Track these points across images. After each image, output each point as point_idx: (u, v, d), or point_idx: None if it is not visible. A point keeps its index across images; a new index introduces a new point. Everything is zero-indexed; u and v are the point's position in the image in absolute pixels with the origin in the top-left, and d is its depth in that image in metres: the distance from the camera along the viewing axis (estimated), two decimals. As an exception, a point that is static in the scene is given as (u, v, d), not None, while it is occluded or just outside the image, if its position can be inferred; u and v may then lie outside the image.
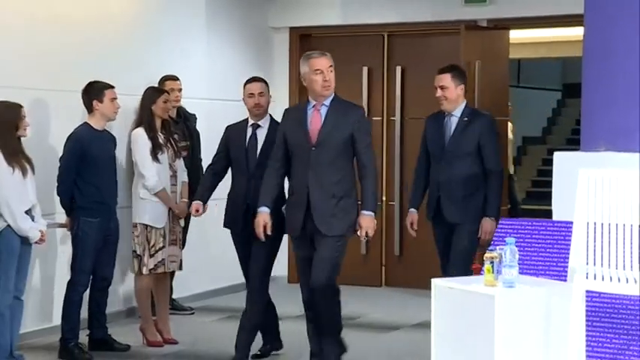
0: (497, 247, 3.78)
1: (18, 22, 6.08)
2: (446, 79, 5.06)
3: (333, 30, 8.90)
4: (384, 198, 8.52)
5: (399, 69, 8.29)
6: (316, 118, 4.41)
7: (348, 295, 5.78)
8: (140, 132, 5.82)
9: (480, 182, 5.02)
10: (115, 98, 5.30)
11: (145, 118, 5.84)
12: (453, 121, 5.08)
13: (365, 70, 8.49)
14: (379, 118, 8.50)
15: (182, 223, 6.08)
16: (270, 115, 5.05)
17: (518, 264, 3.65)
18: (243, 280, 5.73)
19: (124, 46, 6.87)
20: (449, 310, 3.88)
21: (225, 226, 5.09)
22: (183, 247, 6.17)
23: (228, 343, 5.21)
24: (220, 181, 5.17)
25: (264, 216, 4.35)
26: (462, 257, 5.05)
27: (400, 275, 8.57)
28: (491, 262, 3.60)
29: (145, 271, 5.65)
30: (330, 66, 4.41)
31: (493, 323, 3.47)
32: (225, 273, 7.49)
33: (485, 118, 5.35)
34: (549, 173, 5.60)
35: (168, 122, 6.10)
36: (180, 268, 5.96)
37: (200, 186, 5.32)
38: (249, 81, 5.12)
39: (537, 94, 14.60)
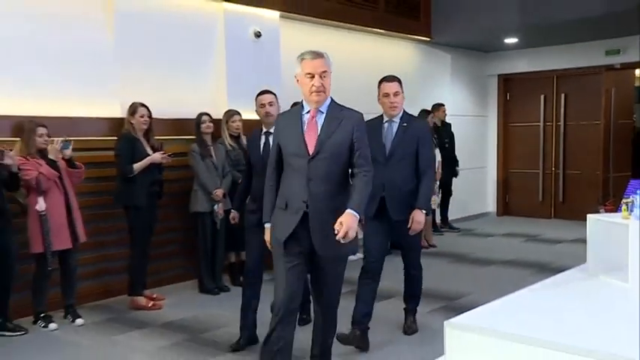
0: (631, 196, 4.54)
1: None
2: (398, 86, 5.05)
3: (523, 74, 12.01)
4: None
5: (563, 95, 11.76)
6: (312, 126, 3.79)
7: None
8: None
9: (415, 181, 5.04)
10: None
11: None
12: (394, 127, 5.05)
13: (542, 96, 11.93)
14: (550, 124, 11.94)
15: None
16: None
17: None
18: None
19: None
20: (598, 234, 4.72)
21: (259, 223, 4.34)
22: None
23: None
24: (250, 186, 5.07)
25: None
26: (416, 244, 5.32)
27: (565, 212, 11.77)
28: (627, 205, 4.45)
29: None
30: (325, 71, 3.75)
31: (626, 240, 4.27)
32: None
33: (422, 124, 5.56)
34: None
35: None
36: None
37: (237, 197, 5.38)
38: (261, 93, 5.17)
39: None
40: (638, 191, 4.62)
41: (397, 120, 5.06)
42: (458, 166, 10.39)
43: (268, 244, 3.98)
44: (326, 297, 4.04)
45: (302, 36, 8.56)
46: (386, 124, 5.09)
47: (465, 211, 11.65)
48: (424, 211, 5.00)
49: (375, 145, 4.72)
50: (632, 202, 4.47)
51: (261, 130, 5.06)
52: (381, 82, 5.12)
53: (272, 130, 4.64)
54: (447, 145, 9.95)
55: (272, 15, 8.17)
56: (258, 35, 7.91)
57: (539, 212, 12.01)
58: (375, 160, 4.17)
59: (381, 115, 5.14)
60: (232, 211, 5.48)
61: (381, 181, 4.80)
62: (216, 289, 6.79)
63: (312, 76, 3.73)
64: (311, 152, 3.76)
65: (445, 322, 3.73)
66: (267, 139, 4.95)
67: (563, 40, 10.95)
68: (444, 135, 9.98)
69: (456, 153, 10.33)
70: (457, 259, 8.46)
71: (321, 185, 3.76)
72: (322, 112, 3.83)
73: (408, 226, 4.94)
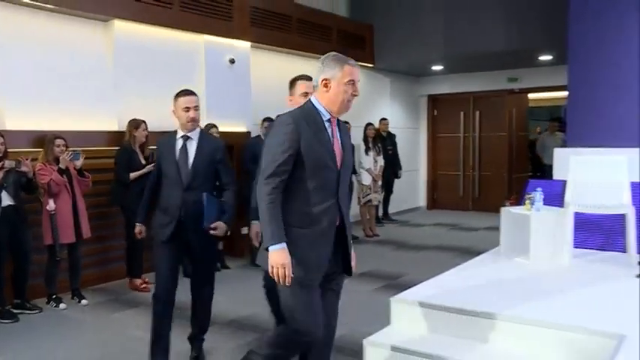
0: (532, 192, 4.80)
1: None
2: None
3: (447, 95, 12.18)
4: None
5: (477, 112, 11.99)
6: (335, 135, 2.84)
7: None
8: None
9: None
10: None
11: None
12: None
13: (462, 113, 12.09)
14: (468, 135, 12.09)
15: None
16: (200, 127, 3.85)
17: (542, 200, 4.75)
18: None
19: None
20: (508, 223, 5.03)
21: (162, 240, 3.71)
22: None
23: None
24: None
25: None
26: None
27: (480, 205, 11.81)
28: (529, 199, 4.75)
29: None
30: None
31: (529, 229, 4.60)
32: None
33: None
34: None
35: None
36: None
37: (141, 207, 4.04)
38: (185, 93, 3.75)
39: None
40: (537, 189, 4.81)
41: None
42: (401, 169, 10.45)
43: (286, 269, 2.64)
44: (333, 321, 3.05)
45: (269, 62, 8.62)
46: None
47: (402, 206, 11.68)
48: None
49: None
50: (533, 197, 4.67)
51: (175, 134, 3.82)
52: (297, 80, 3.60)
53: (191, 135, 3.76)
54: (390, 152, 9.99)
55: (244, 45, 8.13)
56: (232, 62, 7.89)
57: (461, 205, 12.16)
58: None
59: None
60: (137, 224, 4.07)
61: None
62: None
63: (354, 84, 2.79)
64: (339, 164, 2.82)
65: (391, 298, 3.83)
66: (184, 144, 3.76)
67: (478, 69, 11.24)
68: (387, 143, 10.05)
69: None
70: (397, 245, 8.47)
71: (344, 201, 2.88)
72: (335, 120, 2.89)
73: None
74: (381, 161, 9.20)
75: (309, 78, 3.43)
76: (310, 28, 9.25)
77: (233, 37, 7.93)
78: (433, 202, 12.70)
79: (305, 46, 9.10)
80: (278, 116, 2.97)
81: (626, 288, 3.98)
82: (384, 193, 10.06)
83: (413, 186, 12.46)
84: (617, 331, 3.03)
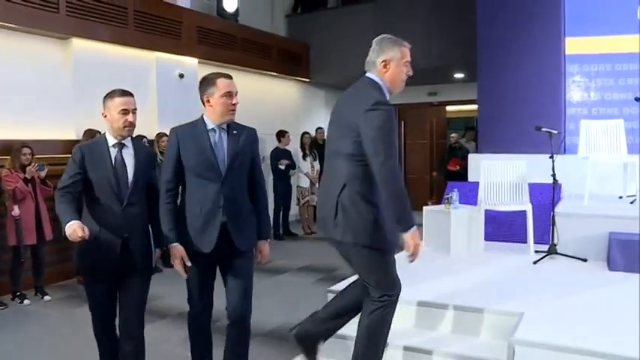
0: (450, 193, 5.09)
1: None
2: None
3: None
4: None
5: (402, 122, 12.28)
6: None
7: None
8: None
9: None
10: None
11: None
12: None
13: None
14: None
15: None
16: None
17: (459, 199, 5.13)
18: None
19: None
20: (430, 220, 5.22)
21: (86, 270, 3.00)
22: None
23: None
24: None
25: None
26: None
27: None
28: (448, 199, 5.04)
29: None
30: None
31: (450, 224, 4.93)
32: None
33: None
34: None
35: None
36: None
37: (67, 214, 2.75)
38: (121, 93, 2.98)
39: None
40: (454, 189, 5.14)
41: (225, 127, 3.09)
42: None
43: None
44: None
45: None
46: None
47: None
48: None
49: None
50: (451, 197, 4.98)
51: (104, 140, 3.00)
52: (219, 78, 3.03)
53: (126, 143, 3.01)
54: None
55: (192, 61, 8.26)
56: (181, 76, 8.01)
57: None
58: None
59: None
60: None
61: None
62: (158, 268, 6.60)
63: (408, 64, 2.91)
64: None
65: (327, 289, 4.03)
66: (120, 153, 2.98)
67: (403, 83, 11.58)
68: (323, 150, 10.22)
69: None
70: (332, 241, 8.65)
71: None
72: None
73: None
74: (317, 166, 9.39)
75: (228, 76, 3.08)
76: (252, 47, 9.44)
77: (182, 54, 8.07)
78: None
79: (248, 62, 9.31)
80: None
81: (525, 273, 4.38)
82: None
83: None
84: (517, 309, 3.38)
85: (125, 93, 3.01)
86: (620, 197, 5.88)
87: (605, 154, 5.83)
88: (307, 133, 9.49)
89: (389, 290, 2.80)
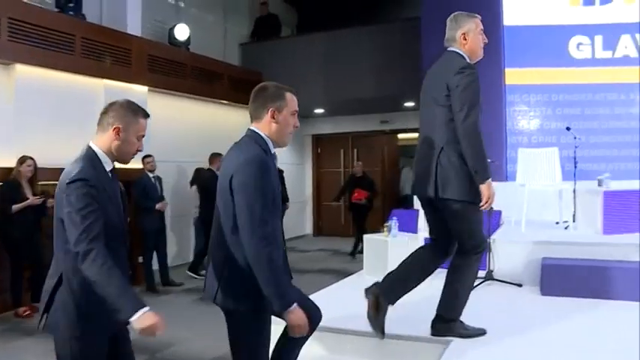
0: (389, 221, 5.22)
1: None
2: None
3: (329, 135, 12.63)
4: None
5: (355, 150, 12.51)
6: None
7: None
8: None
9: None
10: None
11: None
12: None
13: (342, 150, 12.59)
14: (348, 169, 12.29)
15: None
16: None
17: (397, 227, 5.20)
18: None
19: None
20: (371, 248, 5.27)
21: (90, 334, 2.21)
22: None
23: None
24: None
25: None
26: None
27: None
28: (386, 227, 5.19)
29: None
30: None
31: (387, 252, 4.95)
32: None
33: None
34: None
35: None
36: None
37: None
38: (146, 115, 2.37)
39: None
40: (393, 218, 5.17)
41: None
42: (288, 201, 10.55)
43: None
44: None
45: (165, 105, 8.61)
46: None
47: (290, 234, 11.81)
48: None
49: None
50: (390, 225, 5.00)
51: (100, 166, 2.31)
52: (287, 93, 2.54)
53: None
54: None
55: (142, 89, 8.16)
56: (130, 104, 7.88)
57: (342, 232, 12.39)
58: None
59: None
60: None
61: None
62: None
63: (483, 32, 3.21)
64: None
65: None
66: (116, 181, 2.43)
67: (355, 112, 11.76)
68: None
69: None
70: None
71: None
72: None
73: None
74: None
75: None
76: (204, 74, 9.41)
77: (131, 82, 7.96)
78: (319, 230, 12.99)
79: (199, 90, 9.26)
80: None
81: (471, 301, 4.37)
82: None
83: (300, 215, 12.67)
84: (445, 337, 3.37)
85: (147, 115, 2.41)
86: (557, 223, 6.01)
87: (542, 181, 5.96)
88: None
89: (483, 241, 3.22)
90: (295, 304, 2.31)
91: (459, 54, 3.15)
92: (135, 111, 2.35)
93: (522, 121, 7.15)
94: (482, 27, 3.19)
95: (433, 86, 3.15)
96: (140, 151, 2.41)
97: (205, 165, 8.23)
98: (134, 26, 8.17)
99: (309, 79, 10.23)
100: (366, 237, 5.35)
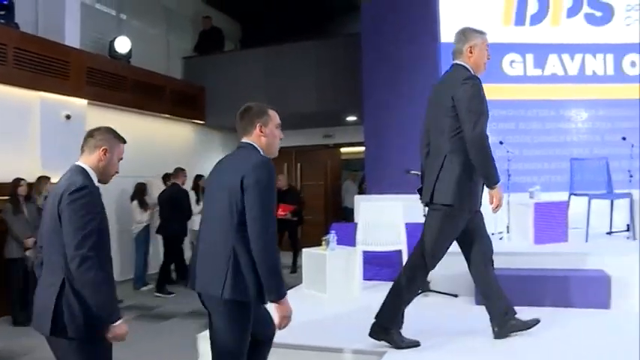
0: (328, 235, 5.13)
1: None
2: None
3: None
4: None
5: (299, 164, 12.48)
6: None
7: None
8: None
9: None
10: None
11: None
12: None
13: (285, 165, 12.36)
14: (293, 184, 12.08)
15: None
16: None
17: (336, 240, 5.11)
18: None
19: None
20: (309, 262, 5.20)
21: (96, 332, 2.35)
22: None
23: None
24: None
25: None
26: None
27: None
28: (325, 241, 5.11)
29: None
30: None
31: (325, 265, 4.91)
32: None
33: None
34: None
35: None
36: None
37: None
38: (124, 140, 2.68)
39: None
40: (332, 231, 5.17)
41: None
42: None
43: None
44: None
45: (105, 118, 8.26)
46: None
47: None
48: None
49: None
50: (328, 239, 5.00)
51: (89, 180, 2.51)
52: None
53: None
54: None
55: (81, 102, 7.97)
56: (68, 117, 7.68)
57: (288, 247, 12.32)
58: None
59: None
60: None
61: None
62: (27, 322, 6.12)
63: (488, 48, 3.42)
64: None
65: (198, 335, 3.88)
66: None
67: (298, 126, 11.69)
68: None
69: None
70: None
71: None
72: None
73: None
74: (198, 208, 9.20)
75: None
76: (145, 88, 9.25)
77: (69, 95, 7.75)
78: (263, 244, 12.84)
79: (140, 104, 9.11)
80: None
81: (407, 312, 4.40)
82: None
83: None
84: (380, 349, 3.39)
85: (125, 141, 2.72)
86: (492, 234, 6.13)
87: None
88: (202, 176, 9.32)
89: (435, 261, 3.40)
90: (287, 297, 2.55)
91: (465, 67, 3.32)
92: (117, 136, 2.65)
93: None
94: (488, 43, 3.38)
95: (440, 98, 3.29)
96: (117, 172, 2.66)
97: (146, 179, 8.10)
98: (72, 38, 7.96)
99: (252, 93, 10.08)
100: (305, 251, 5.33)
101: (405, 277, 3.41)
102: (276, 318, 2.60)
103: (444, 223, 3.26)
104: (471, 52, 3.32)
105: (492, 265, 3.52)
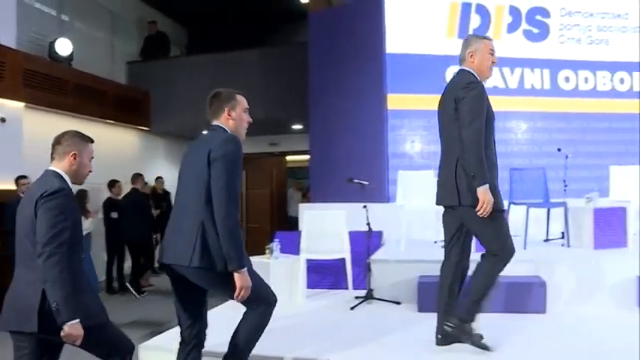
0: (272, 243, 5.15)
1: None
2: None
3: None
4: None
5: (244, 171, 11.93)
6: None
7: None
8: None
9: None
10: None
11: None
12: None
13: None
14: (239, 192, 13.07)
15: None
16: None
17: (280, 249, 5.10)
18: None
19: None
20: (254, 268, 4.44)
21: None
22: None
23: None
24: None
25: None
26: None
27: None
28: (268, 249, 5.15)
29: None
30: None
31: (269, 274, 4.78)
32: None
33: None
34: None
35: None
36: None
37: None
38: (91, 140, 2.77)
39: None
40: (275, 239, 5.13)
41: None
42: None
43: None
44: None
45: (44, 122, 8.08)
46: None
47: (177, 256, 11.46)
48: None
49: None
50: (271, 247, 4.95)
51: (64, 183, 2.62)
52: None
53: None
54: (164, 209, 9.75)
55: (17, 105, 7.65)
56: (3, 120, 7.36)
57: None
58: None
59: None
60: None
61: None
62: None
63: (493, 53, 3.48)
64: None
65: (139, 345, 3.77)
66: None
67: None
68: (162, 199, 9.90)
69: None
70: (169, 294, 8.28)
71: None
72: None
73: None
74: (155, 214, 9.06)
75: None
76: (87, 92, 8.99)
77: (4, 97, 7.42)
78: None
79: (81, 108, 8.84)
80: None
81: (340, 319, 4.40)
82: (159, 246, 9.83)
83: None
84: (321, 356, 3.36)
85: (92, 141, 2.84)
86: (435, 242, 6.21)
87: (421, 202, 6.15)
88: (146, 183, 9.13)
89: (507, 244, 3.29)
90: (246, 269, 2.69)
91: (469, 72, 3.38)
92: (84, 137, 2.74)
93: (404, 144, 7.37)
94: (492, 48, 3.41)
95: (446, 103, 3.35)
96: (91, 171, 2.78)
97: (89, 186, 7.81)
98: (8, 37, 7.65)
99: (197, 99, 9.83)
100: (252, 259, 5.22)
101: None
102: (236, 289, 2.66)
103: (488, 217, 3.24)
104: (471, 57, 3.39)
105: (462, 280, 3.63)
